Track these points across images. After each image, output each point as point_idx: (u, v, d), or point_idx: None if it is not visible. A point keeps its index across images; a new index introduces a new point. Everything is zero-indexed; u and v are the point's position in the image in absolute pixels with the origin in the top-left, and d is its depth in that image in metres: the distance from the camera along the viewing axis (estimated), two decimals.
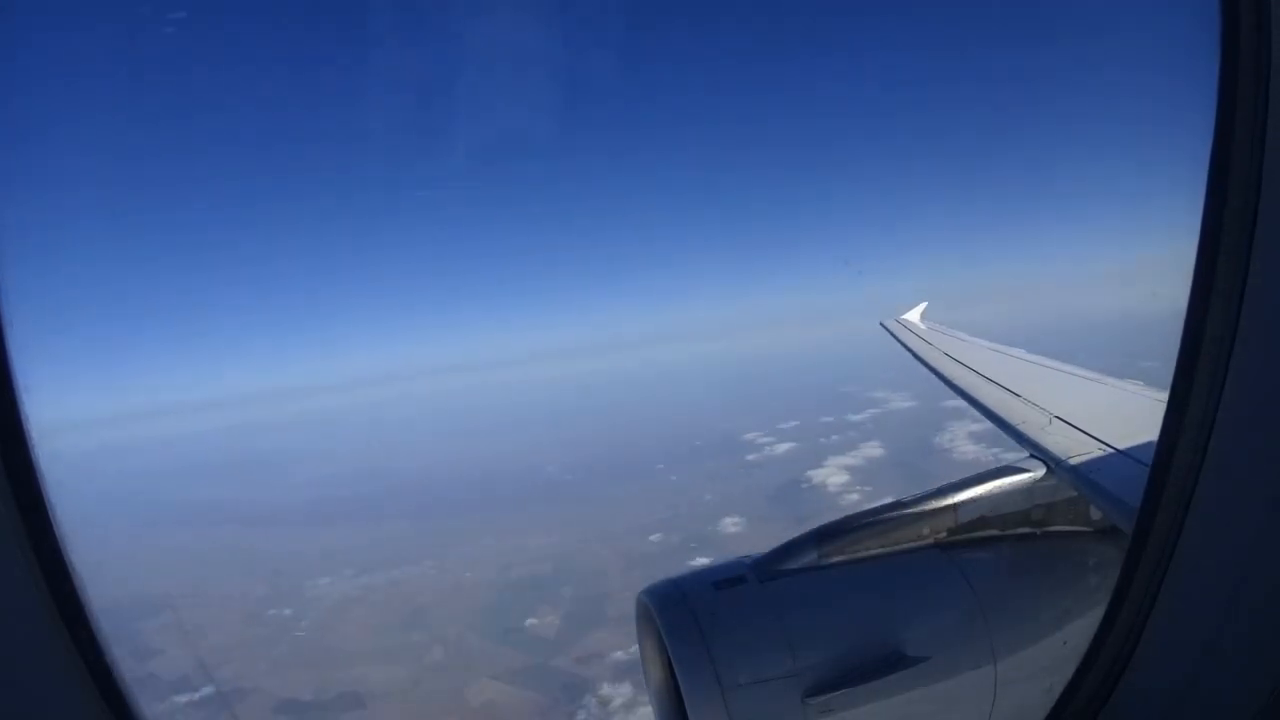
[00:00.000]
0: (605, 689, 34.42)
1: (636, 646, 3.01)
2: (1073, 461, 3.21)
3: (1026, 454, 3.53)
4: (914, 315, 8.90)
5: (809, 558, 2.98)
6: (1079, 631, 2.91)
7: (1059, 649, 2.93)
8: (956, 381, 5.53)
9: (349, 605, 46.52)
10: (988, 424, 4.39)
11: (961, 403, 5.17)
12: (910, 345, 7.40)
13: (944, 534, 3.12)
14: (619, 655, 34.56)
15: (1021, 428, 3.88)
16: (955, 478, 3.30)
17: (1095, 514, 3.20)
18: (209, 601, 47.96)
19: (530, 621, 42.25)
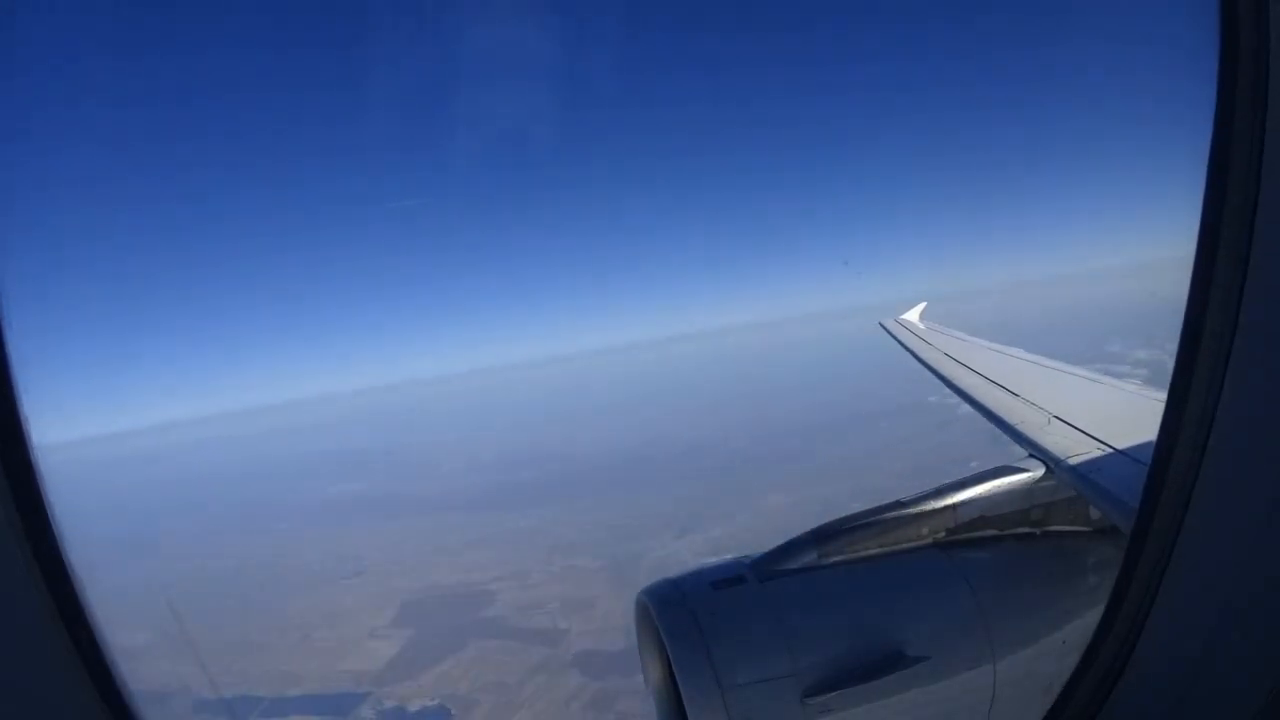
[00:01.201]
0: None
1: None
2: (1072, 461, 3.21)
3: (1026, 453, 3.54)
4: (913, 315, 8.91)
5: (808, 557, 2.98)
6: (1078, 631, 2.91)
7: (1058, 648, 2.93)
8: (956, 381, 5.54)
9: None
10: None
11: None
12: (909, 345, 7.40)
13: (943, 534, 3.12)
14: None
15: (1021, 427, 3.88)
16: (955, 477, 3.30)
17: (1094, 514, 3.20)
18: (541, 581, 43.99)
19: None
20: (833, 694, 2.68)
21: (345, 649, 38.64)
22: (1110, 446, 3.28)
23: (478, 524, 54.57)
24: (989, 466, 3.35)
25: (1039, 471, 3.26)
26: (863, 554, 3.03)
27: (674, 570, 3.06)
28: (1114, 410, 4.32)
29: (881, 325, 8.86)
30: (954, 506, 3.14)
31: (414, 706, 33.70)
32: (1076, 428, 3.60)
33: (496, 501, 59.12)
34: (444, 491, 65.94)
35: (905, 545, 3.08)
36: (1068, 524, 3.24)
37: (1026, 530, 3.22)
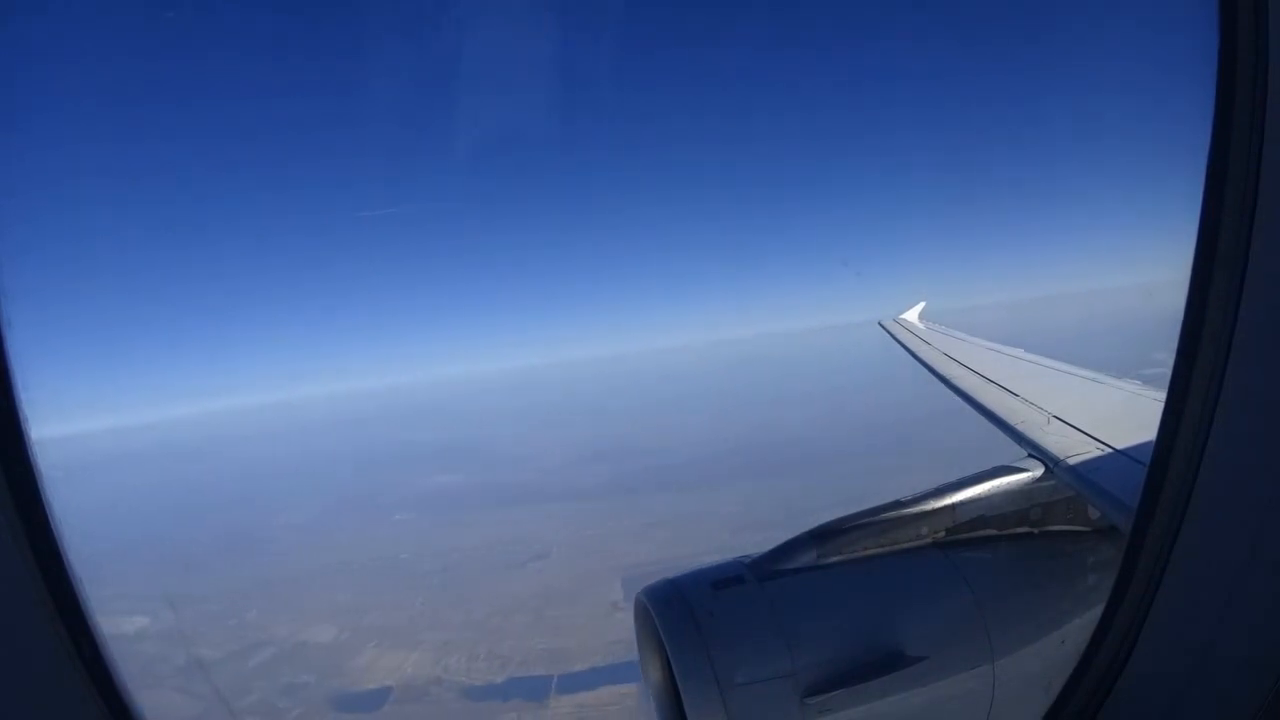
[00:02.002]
0: None
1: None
2: (1071, 461, 3.22)
3: (1025, 453, 3.54)
4: (912, 315, 8.92)
5: (807, 557, 2.98)
6: (1077, 631, 2.91)
7: (1057, 648, 2.94)
8: (955, 381, 5.54)
9: None
10: None
11: None
12: (909, 345, 7.41)
13: (942, 534, 3.12)
14: None
15: (1020, 427, 3.89)
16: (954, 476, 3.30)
17: (1093, 513, 3.20)
18: (759, 552, 42.06)
19: None
20: (832, 694, 2.69)
21: (598, 623, 36.26)
22: (1109, 446, 3.28)
23: (629, 509, 51.35)
24: (987, 466, 3.35)
25: (1038, 471, 3.27)
26: (862, 554, 3.03)
27: None
28: (1113, 410, 4.32)
29: (880, 325, 8.87)
30: (953, 506, 3.14)
31: None
32: (1076, 427, 3.60)
33: (622, 489, 56.40)
34: (558, 481, 62.55)
35: (904, 545, 3.09)
36: (1067, 524, 3.25)
37: (1025, 530, 3.22)
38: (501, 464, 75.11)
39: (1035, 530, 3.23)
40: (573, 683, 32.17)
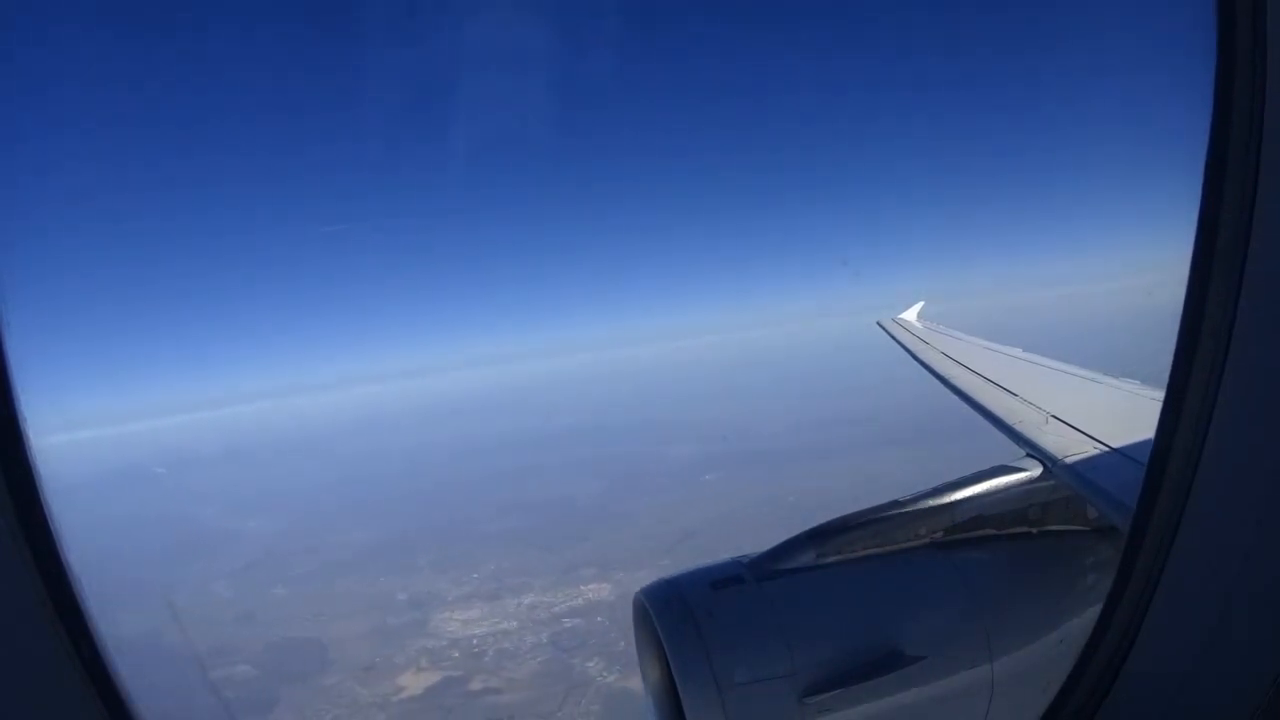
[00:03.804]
0: None
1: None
2: (1069, 460, 3.22)
3: (1024, 453, 3.54)
4: (911, 314, 8.92)
5: (806, 557, 2.99)
6: (1076, 630, 2.92)
7: (1056, 648, 2.94)
8: (954, 381, 5.54)
9: None
10: None
11: None
12: (907, 345, 7.41)
13: (941, 533, 3.12)
14: None
15: (1019, 427, 3.89)
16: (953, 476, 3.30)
17: (1092, 513, 3.21)
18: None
19: None
20: (831, 694, 2.69)
21: None
22: (1108, 445, 3.29)
23: (873, 462, 48.89)
24: (986, 466, 3.36)
25: (1037, 471, 3.27)
26: (860, 554, 3.03)
27: None
28: (1112, 409, 4.32)
29: (879, 325, 8.87)
30: (951, 506, 3.14)
31: None
32: (1074, 427, 3.60)
33: (835, 451, 56.01)
34: (791, 444, 62.37)
35: (903, 545, 3.09)
36: (1065, 523, 3.25)
37: (1024, 530, 3.23)
38: (718, 433, 73.81)
39: (1034, 530, 3.23)
40: None
